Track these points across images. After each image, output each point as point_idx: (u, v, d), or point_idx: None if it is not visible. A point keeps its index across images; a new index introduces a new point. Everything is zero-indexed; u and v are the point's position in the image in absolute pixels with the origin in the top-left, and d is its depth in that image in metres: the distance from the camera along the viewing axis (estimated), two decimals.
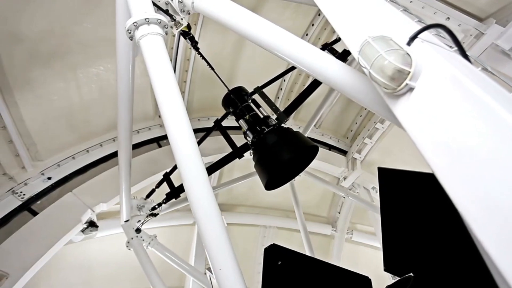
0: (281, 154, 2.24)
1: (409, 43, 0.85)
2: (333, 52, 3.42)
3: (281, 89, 4.83)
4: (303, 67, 1.37)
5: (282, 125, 2.58)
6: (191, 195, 1.35)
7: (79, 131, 3.55)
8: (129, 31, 1.64)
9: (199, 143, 3.03)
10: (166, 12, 1.99)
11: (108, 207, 3.42)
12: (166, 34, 1.70)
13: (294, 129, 2.52)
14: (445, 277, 1.68)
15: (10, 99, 2.84)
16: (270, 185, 2.44)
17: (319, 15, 4.14)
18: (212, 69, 2.75)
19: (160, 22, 1.64)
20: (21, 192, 3.11)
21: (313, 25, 4.22)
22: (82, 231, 3.31)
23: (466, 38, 3.30)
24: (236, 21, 1.63)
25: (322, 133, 5.48)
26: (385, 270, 1.90)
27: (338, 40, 3.44)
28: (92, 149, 3.63)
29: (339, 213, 5.64)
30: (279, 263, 2.01)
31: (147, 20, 1.60)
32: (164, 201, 3.13)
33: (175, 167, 3.13)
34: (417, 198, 1.85)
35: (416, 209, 1.86)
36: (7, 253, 2.71)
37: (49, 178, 3.33)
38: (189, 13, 2.01)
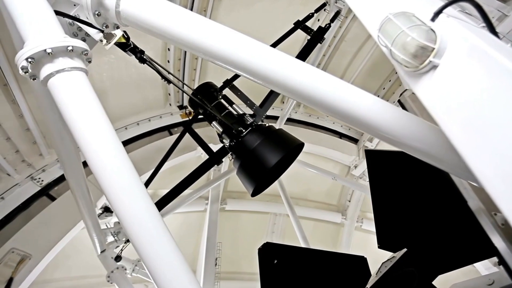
0: (265, 161, 1.99)
1: (433, 19, 0.80)
2: (307, 31, 3.22)
3: None
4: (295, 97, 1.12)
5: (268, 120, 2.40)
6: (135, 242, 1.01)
7: None
8: (23, 69, 1.02)
9: (172, 148, 2.66)
10: (87, 23, 1.28)
11: None
12: (90, 62, 1.15)
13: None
14: (437, 248, 1.70)
15: (26, 87, 2.89)
16: (256, 192, 2.26)
17: None
18: (164, 78, 2.29)
19: (72, 50, 1.04)
20: (39, 178, 3.23)
21: (325, 10, 4.08)
22: (98, 216, 3.42)
23: None
24: (204, 39, 1.11)
25: (333, 121, 5.40)
26: (379, 247, 1.93)
27: (311, 16, 3.28)
28: None
29: (349, 201, 5.63)
30: (275, 261, 2.00)
31: (49, 52, 0.98)
32: None
33: (153, 174, 2.59)
34: (404, 176, 1.88)
35: (404, 187, 1.88)
36: (29, 236, 2.85)
37: None
38: (117, 27, 1.38)
